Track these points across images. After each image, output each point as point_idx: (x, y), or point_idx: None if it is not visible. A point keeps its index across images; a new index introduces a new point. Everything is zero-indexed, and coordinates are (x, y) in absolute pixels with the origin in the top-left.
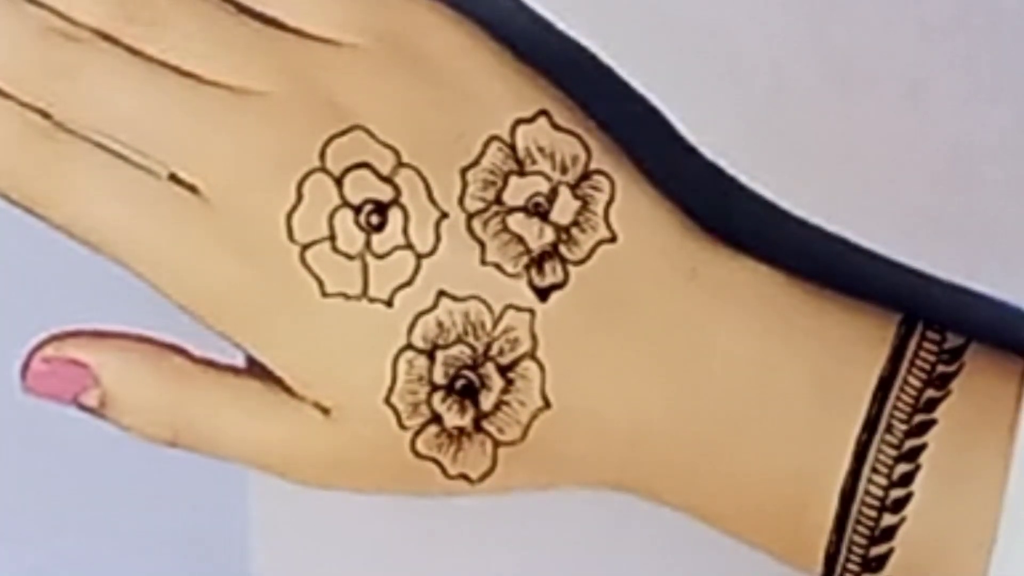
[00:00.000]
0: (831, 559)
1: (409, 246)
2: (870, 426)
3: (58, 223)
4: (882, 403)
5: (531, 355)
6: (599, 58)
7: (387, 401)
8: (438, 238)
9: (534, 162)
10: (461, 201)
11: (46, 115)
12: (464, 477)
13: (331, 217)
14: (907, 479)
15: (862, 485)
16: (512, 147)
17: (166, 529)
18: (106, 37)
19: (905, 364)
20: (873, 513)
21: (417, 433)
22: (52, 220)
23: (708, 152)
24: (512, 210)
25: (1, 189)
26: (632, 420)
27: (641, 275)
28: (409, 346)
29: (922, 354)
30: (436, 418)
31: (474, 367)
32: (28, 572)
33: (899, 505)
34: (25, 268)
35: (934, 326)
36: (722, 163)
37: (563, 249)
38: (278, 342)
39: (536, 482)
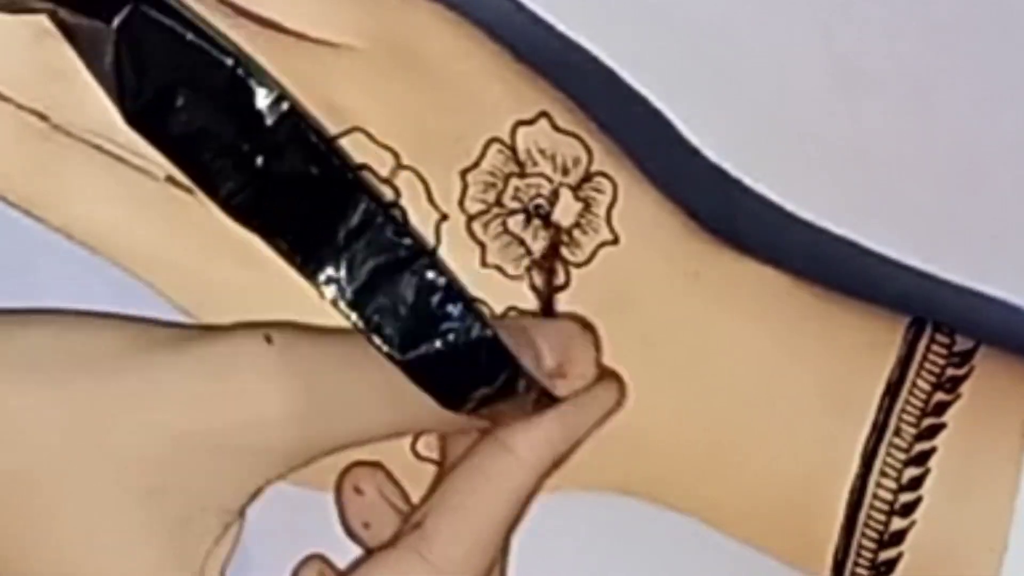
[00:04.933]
0: (839, 563)
1: None
2: (878, 429)
3: (56, 225)
4: (891, 406)
5: None
6: (600, 59)
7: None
8: (438, 240)
9: (535, 164)
10: (461, 203)
11: (44, 117)
12: None
13: None
14: (916, 483)
15: (870, 489)
16: (512, 149)
17: None
18: None
19: (914, 367)
20: (882, 517)
21: (417, 435)
22: (50, 222)
23: (712, 154)
24: (513, 212)
25: None
26: (635, 423)
27: (644, 277)
28: None
29: (931, 357)
30: None
31: None
32: None
33: (908, 509)
34: (23, 269)
35: (943, 329)
36: (726, 165)
37: (565, 251)
38: None
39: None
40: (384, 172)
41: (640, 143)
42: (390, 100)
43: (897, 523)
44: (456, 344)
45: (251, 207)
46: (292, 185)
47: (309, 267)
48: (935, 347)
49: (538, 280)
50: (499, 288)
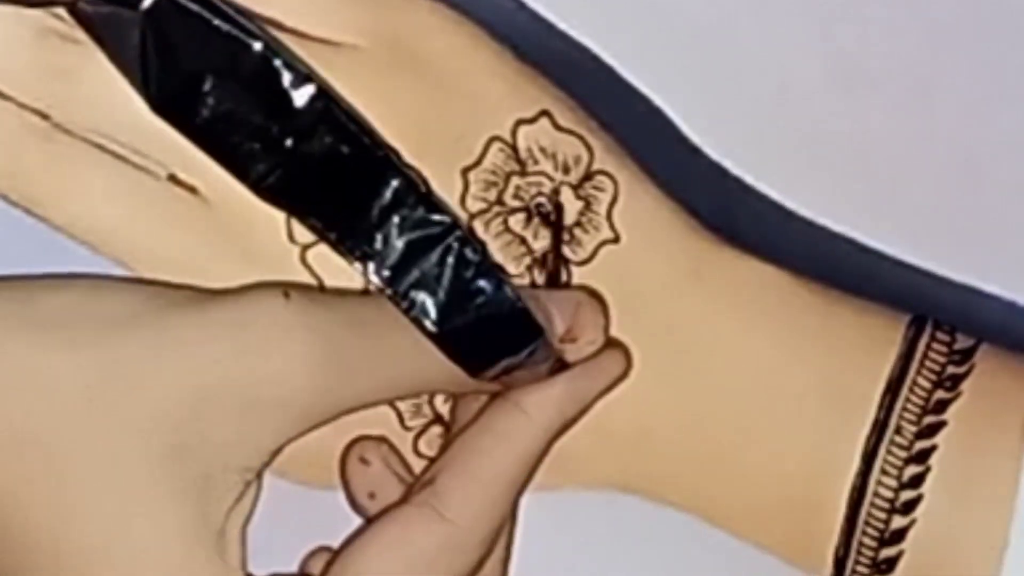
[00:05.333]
0: (840, 561)
1: None
2: (879, 427)
3: (58, 224)
4: (891, 404)
5: None
6: (601, 58)
7: (389, 402)
8: None
9: (536, 162)
10: (462, 202)
11: (45, 116)
12: None
13: None
14: (917, 481)
15: (871, 487)
16: (514, 147)
17: None
18: None
19: (914, 365)
20: (883, 515)
21: (419, 434)
22: (52, 221)
23: (712, 152)
24: (514, 211)
25: (1, 190)
26: (636, 421)
27: (645, 276)
28: None
29: (932, 355)
30: (439, 419)
31: None
32: None
33: (909, 507)
34: (25, 268)
35: (944, 327)
36: (727, 163)
37: (566, 249)
38: None
39: (540, 484)
40: None
41: (641, 141)
42: (391, 99)
43: (898, 521)
44: (489, 317)
45: (283, 188)
46: (323, 165)
47: (344, 245)
48: (935, 345)
49: (539, 278)
50: None
